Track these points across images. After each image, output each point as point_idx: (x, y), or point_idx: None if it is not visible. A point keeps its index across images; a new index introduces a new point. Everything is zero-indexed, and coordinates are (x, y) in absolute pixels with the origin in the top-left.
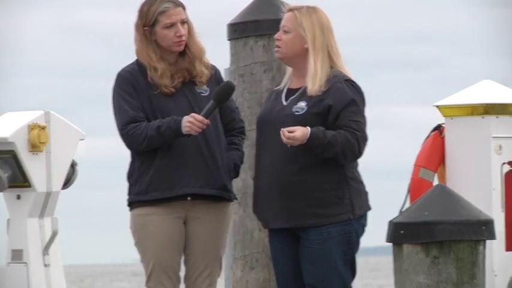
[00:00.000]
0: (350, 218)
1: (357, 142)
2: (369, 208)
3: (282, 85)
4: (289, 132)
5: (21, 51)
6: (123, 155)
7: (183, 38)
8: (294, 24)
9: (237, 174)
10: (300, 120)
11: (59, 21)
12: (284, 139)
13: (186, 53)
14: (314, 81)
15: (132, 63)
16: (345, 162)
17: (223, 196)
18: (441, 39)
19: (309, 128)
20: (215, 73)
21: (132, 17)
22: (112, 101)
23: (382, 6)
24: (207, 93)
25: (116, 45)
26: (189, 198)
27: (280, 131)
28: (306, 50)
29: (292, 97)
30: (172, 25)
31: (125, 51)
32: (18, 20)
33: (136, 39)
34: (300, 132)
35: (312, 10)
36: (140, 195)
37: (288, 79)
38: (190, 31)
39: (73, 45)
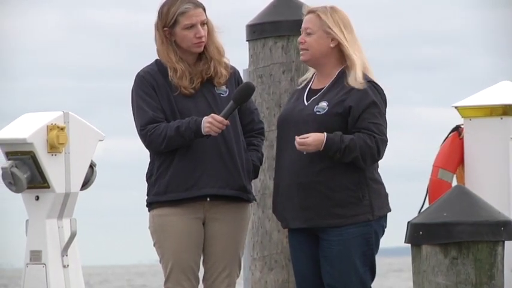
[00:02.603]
0: (369, 219)
1: (376, 145)
2: (389, 209)
3: (302, 80)
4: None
5: (34, 51)
6: (142, 156)
7: (203, 39)
8: (317, 24)
9: (256, 175)
10: (321, 120)
11: (70, 21)
12: (297, 146)
13: (205, 53)
14: (357, 73)
15: (151, 64)
16: (365, 166)
17: (242, 197)
18: (455, 40)
19: (325, 133)
20: (234, 74)
21: (146, 18)
22: (131, 102)
23: (398, 7)
24: (227, 94)
25: (132, 45)
26: (208, 199)
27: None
28: (332, 49)
29: (314, 97)
30: (192, 26)
31: (140, 52)
32: (30, 20)
33: (156, 39)
34: (312, 138)
35: (331, 9)
36: (159, 196)
37: (309, 77)
38: (210, 32)
39: (87, 45)
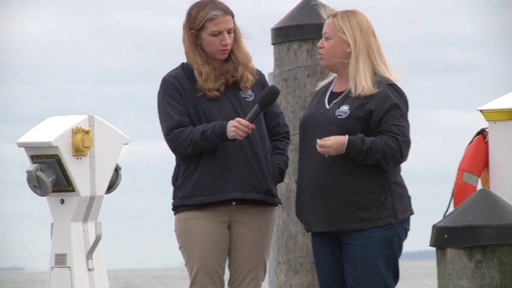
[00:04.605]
0: (392, 223)
1: (399, 147)
2: (412, 212)
3: (323, 83)
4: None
5: (58, 54)
6: (168, 159)
7: (228, 47)
8: (334, 30)
9: (281, 179)
10: (343, 124)
11: (93, 24)
12: (319, 149)
13: (231, 58)
14: (357, 83)
15: (177, 68)
16: (388, 168)
17: (268, 201)
18: (480, 43)
19: (347, 136)
20: (260, 77)
21: (170, 21)
22: (157, 106)
23: (422, 11)
24: (252, 98)
25: (156, 49)
26: (233, 203)
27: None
28: (349, 55)
29: (335, 100)
30: (219, 33)
31: (164, 55)
32: (52, 23)
33: (184, 40)
34: (333, 141)
35: (350, 14)
36: (185, 200)
37: (331, 80)
38: (237, 38)
39: (110, 48)
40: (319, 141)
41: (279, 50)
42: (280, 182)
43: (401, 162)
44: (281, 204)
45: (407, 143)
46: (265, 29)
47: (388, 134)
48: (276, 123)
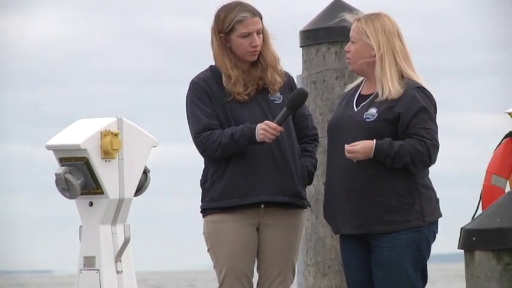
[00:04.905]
0: (420, 225)
1: (427, 150)
2: (440, 215)
3: (352, 86)
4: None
5: (86, 57)
6: (196, 162)
7: (258, 48)
8: (359, 34)
9: (310, 182)
10: (370, 127)
11: (120, 27)
12: (347, 154)
13: (259, 60)
14: (385, 85)
15: (206, 70)
16: (416, 171)
17: (297, 203)
18: (509, 45)
19: (374, 141)
20: (288, 80)
21: (197, 24)
22: (186, 109)
23: (450, 13)
24: (281, 100)
25: (183, 51)
26: (262, 206)
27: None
28: (374, 58)
29: (363, 103)
30: (248, 35)
31: (192, 58)
32: (80, 28)
33: (212, 44)
34: (361, 146)
35: (374, 17)
36: (213, 202)
37: (359, 83)
38: (265, 40)
39: (137, 51)
40: (347, 146)
41: (308, 53)
42: (309, 185)
43: (429, 166)
44: (310, 206)
45: (436, 146)
46: (294, 32)
47: (416, 138)
48: (304, 125)
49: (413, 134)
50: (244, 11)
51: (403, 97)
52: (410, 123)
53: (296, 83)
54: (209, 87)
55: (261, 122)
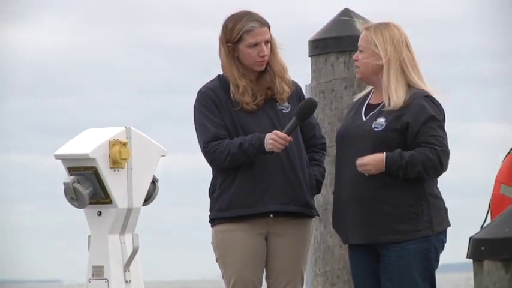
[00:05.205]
0: (429, 235)
1: (438, 157)
2: (449, 225)
3: (360, 95)
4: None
5: (95, 66)
6: (204, 172)
7: (266, 58)
8: (367, 43)
9: (318, 191)
10: (379, 136)
11: (129, 36)
12: (358, 168)
13: (267, 70)
14: (390, 96)
15: (213, 80)
16: (429, 179)
17: (306, 213)
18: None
19: (384, 153)
20: (296, 89)
21: (207, 33)
22: (194, 119)
23: (458, 22)
24: (288, 109)
25: (190, 61)
26: (271, 215)
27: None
28: (382, 67)
29: (372, 113)
30: (256, 44)
31: (200, 67)
32: (90, 37)
33: (220, 53)
34: (370, 158)
35: (383, 26)
36: (222, 212)
37: (367, 92)
38: (273, 49)
39: (146, 61)
40: (358, 161)
41: (316, 62)
42: (317, 194)
43: (441, 173)
44: (318, 216)
45: (446, 153)
46: (303, 41)
47: (426, 146)
48: (312, 134)
49: (423, 142)
50: (252, 20)
51: (411, 106)
52: (419, 132)
53: (305, 92)
54: (217, 96)
55: (270, 131)
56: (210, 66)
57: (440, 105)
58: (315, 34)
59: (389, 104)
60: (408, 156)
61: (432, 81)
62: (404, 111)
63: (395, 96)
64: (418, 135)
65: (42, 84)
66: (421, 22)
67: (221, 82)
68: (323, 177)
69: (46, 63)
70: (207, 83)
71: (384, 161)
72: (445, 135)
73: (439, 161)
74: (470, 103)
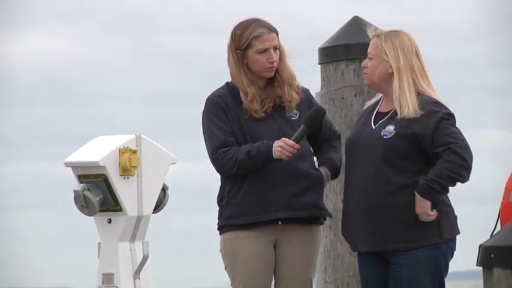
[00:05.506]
0: (438, 242)
1: (456, 154)
2: (458, 232)
3: (370, 103)
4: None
5: (105, 76)
6: (213, 179)
7: (275, 64)
8: (377, 50)
9: (336, 175)
10: (388, 144)
11: (138, 46)
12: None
13: (276, 78)
14: (403, 104)
15: (222, 87)
16: (466, 179)
17: (316, 215)
18: None
19: (416, 195)
20: (306, 96)
21: (213, 42)
22: (202, 126)
23: (470, 31)
24: (297, 116)
25: (200, 69)
26: (279, 223)
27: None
28: (391, 75)
29: (381, 121)
30: (265, 50)
31: (209, 76)
32: (99, 46)
33: (229, 61)
34: (418, 209)
35: (393, 34)
36: (231, 220)
37: (377, 100)
38: (282, 57)
39: (155, 70)
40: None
41: (326, 70)
42: (334, 178)
43: (470, 165)
44: (330, 216)
45: (463, 146)
46: (313, 49)
47: (442, 150)
48: (329, 134)
49: (439, 144)
50: (260, 27)
51: (421, 114)
52: (434, 136)
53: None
54: (226, 103)
55: (278, 139)
56: (221, 74)
57: (448, 108)
58: (324, 42)
59: (402, 112)
60: (432, 175)
61: (443, 91)
62: (414, 120)
63: (411, 104)
64: (433, 139)
65: (53, 93)
66: (432, 30)
67: (229, 89)
68: (340, 162)
69: (56, 72)
70: (215, 91)
71: (421, 196)
72: (459, 130)
73: (460, 157)
74: (480, 111)
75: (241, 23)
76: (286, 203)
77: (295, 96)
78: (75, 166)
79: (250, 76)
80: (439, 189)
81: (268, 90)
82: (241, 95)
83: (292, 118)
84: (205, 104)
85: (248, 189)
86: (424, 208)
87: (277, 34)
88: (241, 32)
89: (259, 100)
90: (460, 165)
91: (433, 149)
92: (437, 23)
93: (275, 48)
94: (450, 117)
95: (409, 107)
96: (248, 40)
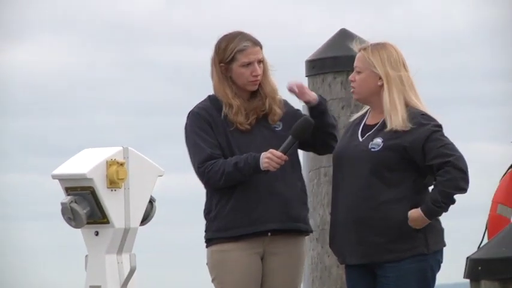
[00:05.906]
0: (424, 252)
1: (455, 169)
2: (444, 244)
3: (357, 115)
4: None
5: (92, 87)
6: (199, 192)
7: (259, 77)
8: (365, 63)
9: (334, 137)
10: (376, 157)
11: (124, 57)
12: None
13: (259, 91)
14: (394, 116)
15: (205, 100)
16: (466, 191)
17: (303, 229)
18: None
19: (419, 210)
20: (287, 109)
21: (200, 53)
22: (186, 140)
23: (459, 41)
24: (280, 127)
25: (188, 81)
26: (269, 234)
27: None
28: (380, 88)
29: (369, 133)
30: (249, 64)
31: (199, 88)
32: (85, 57)
33: (212, 74)
34: (417, 224)
35: (380, 46)
36: (220, 232)
37: (364, 113)
38: (265, 71)
39: (143, 81)
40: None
41: (313, 82)
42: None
43: (467, 176)
44: (312, 232)
45: (460, 158)
46: (299, 61)
47: (439, 163)
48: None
49: (436, 156)
50: (245, 40)
51: (409, 127)
52: (426, 148)
53: (302, 112)
54: (211, 116)
55: (264, 150)
56: (207, 86)
57: (436, 120)
58: (311, 54)
59: (392, 124)
60: (433, 193)
61: (430, 102)
62: (403, 132)
63: (401, 117)
64: (426, 151)
65: (39, 104)
66: (421, 41)
67: (212, 102)
68: (335, 119)
69: (43, 84)
70: (198, 104)
71: (423, 216)
72: (451, 141)
73: (461, 171)
74: (468, 123)
75: (226, 36)
76: (275, 215)
77: (278, 110)
78: (62, 178)
79: (235, 89)
80: (446, 209)
81: (251, 102)
82: (225, 108)
83: (277, 129)
84: (189, 117)
85: (236, 201)
86: (422, 225)
87: (261, 47)
88: (226, 45)
89: (244, 113)
90: (461, 179)
91: (427, 161)
92: (423, 34)
93: (259, 62)
94: (440, 128)
95: (398, 119)
96: (232, 53)
